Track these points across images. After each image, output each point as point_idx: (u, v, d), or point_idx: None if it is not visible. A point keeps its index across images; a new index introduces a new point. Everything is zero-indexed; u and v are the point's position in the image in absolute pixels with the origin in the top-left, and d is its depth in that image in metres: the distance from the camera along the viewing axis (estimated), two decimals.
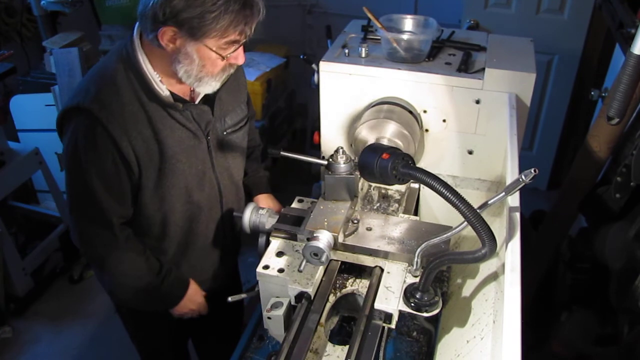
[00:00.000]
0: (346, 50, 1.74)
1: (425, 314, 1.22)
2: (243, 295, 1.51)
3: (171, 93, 1.48)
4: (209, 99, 1.58)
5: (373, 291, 1.30)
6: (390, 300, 1.24)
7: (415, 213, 1.77)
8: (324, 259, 1.27)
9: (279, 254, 1.40)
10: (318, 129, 1.86)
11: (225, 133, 1.65)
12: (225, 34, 1.34)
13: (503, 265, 1.09)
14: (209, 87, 1.46)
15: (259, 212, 1.57)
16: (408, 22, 1.76)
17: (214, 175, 1.65)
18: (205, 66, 1.39)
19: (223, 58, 1.39)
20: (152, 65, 1.43)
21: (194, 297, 1.74)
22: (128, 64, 1.43)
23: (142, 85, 1.43)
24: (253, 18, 1.35)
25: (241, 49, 1.42)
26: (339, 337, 1.47)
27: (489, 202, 1.10)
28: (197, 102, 1.57)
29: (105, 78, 1.43)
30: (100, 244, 1.54)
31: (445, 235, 1.17)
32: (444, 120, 1.70)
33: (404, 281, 1.29)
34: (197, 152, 1.57)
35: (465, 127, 1.69)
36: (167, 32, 1.32)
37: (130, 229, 1.58)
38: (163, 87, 1.45)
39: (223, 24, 1.31)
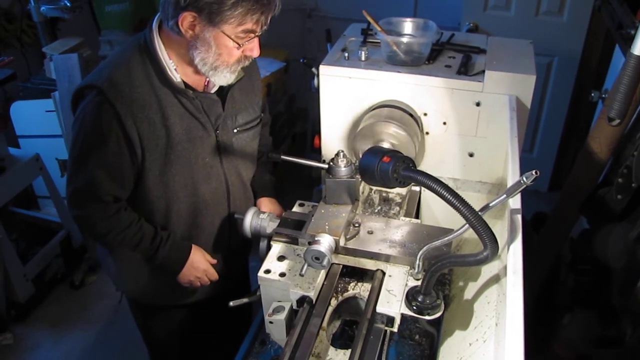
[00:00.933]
0: (346, 54, 1.74)
1: (427, 317, 1.21)
2: (245, 300, 1.51)
3: (185, 84, 1.52)
4: (221, 95, 1.60)
5: (375, 295, 1.30)
6: (392, 303, 1.24)
7: (417, 216, 1.76)
8: (325, 262, 1.27)
9: (280, 258, 1.40)
10: (318, 132, 1.86)
11: (235, 131, 1.66)
12: (243, 21, 1.39)
13: (505, 267, 1.09)
14: (223, 78, 1.50)
15: (259, 217, 1.56)
16: (407, 25, 1.77)
17: (222, 171, 1.67)
18: (222, 55, 1.44)
19: (239, 46, 1.43)
20: (168, 53, 1.49)
21: (196, 264, 1.70)
22: (144, 50, 1.49)
23: (156, 71, 1.48)
24: (270, 8, 1.41)
25: (257, 40, 1.47)
26: (341, 340, 1.46)
27: (490, 205, 1.10)
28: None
29: (120, 62, 1.49)
30: (92, 215, 1.56)
31: (446, 238, 1.17)
32: (445, 123, 1.70)
33: (406, 284, 1.29)
34: (205, 145, 1.59)
35: (465, 129, 1.69)
36: (187, 18, 1.37)
37: (124, 203, 1.59)
38: (177, 75, 1.50)
39: (241, 11, 1.36)
